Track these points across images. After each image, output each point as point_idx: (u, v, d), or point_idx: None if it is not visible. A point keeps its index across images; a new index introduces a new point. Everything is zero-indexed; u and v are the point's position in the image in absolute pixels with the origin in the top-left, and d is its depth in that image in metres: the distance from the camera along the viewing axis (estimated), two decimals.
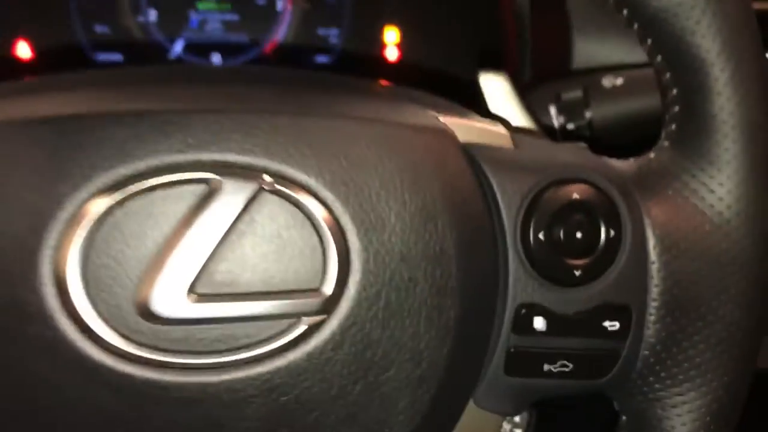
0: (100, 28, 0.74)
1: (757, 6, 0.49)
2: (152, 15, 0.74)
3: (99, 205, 0.32)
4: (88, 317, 0.32)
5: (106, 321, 0.32)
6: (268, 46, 0.77)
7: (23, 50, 0.72)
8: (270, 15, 0.76)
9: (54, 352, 0.32)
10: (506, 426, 0.45)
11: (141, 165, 0.32)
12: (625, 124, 0.55)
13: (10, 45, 0.72)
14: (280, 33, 0.77)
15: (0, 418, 0.33)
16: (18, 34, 0.73)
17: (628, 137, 0.45)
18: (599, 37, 0.62)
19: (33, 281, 0.32)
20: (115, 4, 0.74)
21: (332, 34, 0.78)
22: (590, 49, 0.62)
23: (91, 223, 0.32)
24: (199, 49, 0.76)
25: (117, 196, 0.32)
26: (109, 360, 0.32)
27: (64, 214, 0.32)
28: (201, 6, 0.75)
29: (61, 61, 0.72)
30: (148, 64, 0.70)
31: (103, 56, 0.75)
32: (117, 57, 0.75)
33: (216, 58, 0.77)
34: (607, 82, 0.56)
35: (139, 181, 0.32)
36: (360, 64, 0.78)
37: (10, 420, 0.33)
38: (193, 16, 0.75)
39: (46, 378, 0.32)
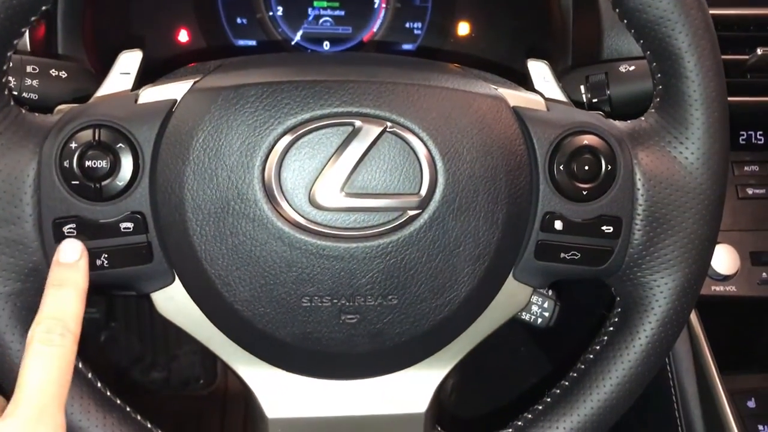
0: (240, 20, 0.84)
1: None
2: (279, 10, 0.84)
3: (287, 138, 0.45)
4: (280, 203, 0.45)
5: (291, 207, 0.45)
6: (366, 36, 0.85)
7: (183, 36, 0.83)
8: (368, 11, 0.85)
9: (260, 223, 0.45)
10: (535, 309, 0.57)
11: (313, 114, 0.45)
12: (635, 100, 0.66)
13: (174, 32, 0.83)
14: (376, 26, 0.86)
15: (224, 261, 0.46)
16: (179, 24, 0.83)
17: (636, 109, 0.55)
18: (623, 34, 0.72)
19: (250, 183, 0.45)
20: (251, 2, 0.83)
21: (416, 27, 0.86)
22: (616, 43, 0.72)
23: (282, 148, 0.45)
24: (313, 38, 0.85)
25: (298, 132, 0.45)
26: (291, 230, 0.45)
27: (266, 145, 0.45)
28: (317, 3, 0.84)
29: (210, 44, 0.83)
30: (275, 50, 0.81)
31: (242, 42, 0.84)
32: (252, 42, 0.84)
33: (326, 45, 0.85)
34: (623, 68, 0.66)
35: (312, 123, 0.45)
36: (436, 52, 0.87)
37: (229, 263, 0.46)
38: (310, 12, 0.84)
39: (254, 237, 0.45)
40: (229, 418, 1.27)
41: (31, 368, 0.43)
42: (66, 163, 0.45)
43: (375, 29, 0.86)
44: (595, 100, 0.67)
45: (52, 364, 0.43)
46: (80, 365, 0.49)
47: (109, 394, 0.50)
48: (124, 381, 1.28)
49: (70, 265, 0.46)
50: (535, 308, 0.57)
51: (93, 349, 1.28)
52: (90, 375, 0.49)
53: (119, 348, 1.30)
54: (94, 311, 1.22)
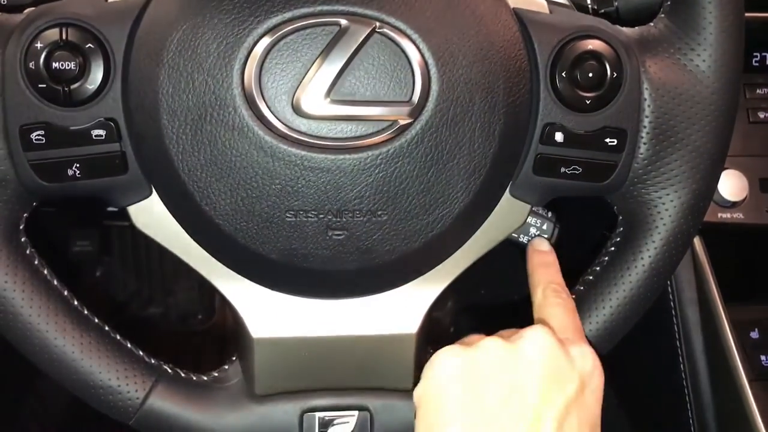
0: None
1: None
2: None
3: (267, 39, 0.42)
4: (262, 111, 0.43)
5: (273, 114, 0.43)
6: None
7: None
8: None
9: (240, 131, 0.43)
10: (533, 231, 0.54)
11: (296, 12, 0.42)
12: (644, 11, 0.62)
13: None
14: None
15: (202, 173, 0.43)
16: None
17: (646, 21, 0.54)
18: None
19: (229, 87, 0.42)
20: None
21: None
22: None
23: (263, 50, 0.42)
24: None
25: (279, 32, 0.42)
26: (274, 139, 0.43)
27: (245, 46, 0.42)
28: None
29: None
30: None
31: None
32: None
33: None
34: None
35: (294, 23, 0.42)
36: None
37: (208, 174, 0.43)
38: None
39: (233, 146, 0.43)
40: (228, 353, 1.27)
41: (563, 315, 0.49)
42: (32, 65, 0.43)
43: None
44: (601, 11, 0.64)
45: (574, 313, 0.50)
46: (55, 282, 0.47)
47: (86, 312, 0.48)
48: (121, 317, 1.28)
49: (547, 251, 0.54)
50: (533, 230, 0.54)
51: (89, 284, 1.27)
52: (66, 293, 0.48)
53: (115, 283, 1.30)
54: (86, 243, 1.21)
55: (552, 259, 0.53)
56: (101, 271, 1.29)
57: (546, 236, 0.55)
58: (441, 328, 1.18)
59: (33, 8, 0.46)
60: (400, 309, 0.50)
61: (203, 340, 1.31)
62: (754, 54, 0.76)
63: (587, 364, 0.45)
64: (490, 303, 1.16)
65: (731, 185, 0.71)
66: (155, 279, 1.31)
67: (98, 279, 1.29)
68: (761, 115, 0.75)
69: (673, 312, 0.75)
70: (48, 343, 0.46)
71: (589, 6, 0.62)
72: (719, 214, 0.72)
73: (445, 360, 0.45)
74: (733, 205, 0.72)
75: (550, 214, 0.54)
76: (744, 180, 0.72)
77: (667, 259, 0.51)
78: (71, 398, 0.49)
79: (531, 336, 0.45)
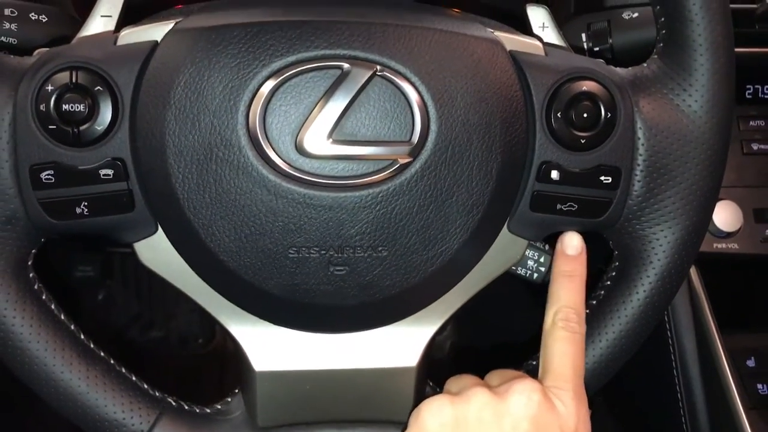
0: None
1: None
2: None
3: (272, 81, 0.44)
4: (265, 150, 0.44)
5: (277, 154, 0.44)
6: None
7: None
8: None
9: (244, 171, 0.44)
10: (531, 263, 0.54)
11: (300, 56, 0.44)
12: (638, 49, 0.64)
13: None
14: None
15: (207, 211, 0.44)
16: None
17: (639, 58, 0.55)
18: None
19: (234, 128, 0.43)
20: None
21: None
22: None
23: (267, 92, 0.44)
24: None
25: (284, 76, 0.44)
26: (277, 178, 0.44)
27: (250, 88, 0.44)
28: None
29: None
30: None
31: None
32: None
33: None
34: (627, 15, 0.64)
35: (298, 66, 0.44)
36: None
37: (213, 212, 0.45)
38: None
39: (238, 185, 0.44)
40: (228, 376, 1.28)
41: (563, 352, 0.49)
42: (42, 107, 0.44)
43: None
44: (596, 49, 0.66)
45: (578, 348, 0.50)
46: (62, 316, 0.48)
47: (92, 346, 0.49)
48: (122, 340, 1.28)
49: (576, 257, 0.51)
50: (530, 263, 0.55)
51: (90, 308, 1.27)
52: (73, 327, 0.48)
53: (116, 307, 1.30)
54: (89, 269, 1.22)
55: (576, 268, 0.52)
56: (103, 295, 1.30)
57: (543, 269, 0.56)
58: (441, 360, 1.19)
59: (44, 49, 0.48)
60: (400, 343, 0.51)
61: (204, 363, 1.31)
62: (747, 86, 0.78)
63: (570, 422, 0.46)
64: (492, 333, 1.16)
65: (726, 216, 0.73)
66: (156, 303, 1.31)
67: (100, 302, 1.29)
68: (755, 146, 0.76)
69: (670, 341, 0.76)
70: (55, 377, 0.47)
71: (585, 44, 0.64)
72: (714, 245, 0.73)
73: (433, 410, 0.46)
74: (728, 236, 0.73)
75: (547, 247, 0.55)
76: (738, 211, 0.73)
77: (662, 294, 0.51)
78: (72, 424, 0.49)
79: (519, 390, 0.46)
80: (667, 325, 0.76)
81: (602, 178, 0.49)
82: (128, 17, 0.50)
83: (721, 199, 0.73)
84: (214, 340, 1.32)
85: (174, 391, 0.53)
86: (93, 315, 1.29)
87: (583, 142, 0.48)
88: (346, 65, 0.44)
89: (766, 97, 0.78)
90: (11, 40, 0.56)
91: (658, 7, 0.49)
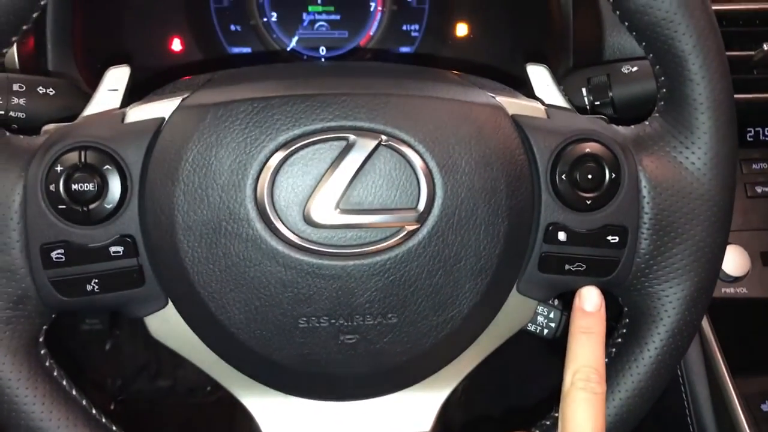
0: (234, 27, 0.82)
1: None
2: (273, 16, 0.82)
3: (279, 154, 0.44)
4: (274, 222, 0.44)
5: (285, 225, 0.44)
6: (362, 40, 0.84)
7: (176, 45, 0.82)
8: (364, 15, 0.83)
9: (253, 243, 0.44)
10: (541, 319, 0.55)
11: (305, 129, 0.44)
12: (638, 102, 0.64)
13: (167, 41, 0.81)
14: (372, 29, 0.84)
15: (217, 284, 0.45)
16: (172, 33, 0.81)
17: (640, 111, 0.55)
18: (625, 32, 0.65)
19: (242, 202, 0.44)
20: (245, 8, 0.81)
21: (414, 30, 0.84)
22: (618, 42, 0.71)
23: (274, 165, 0.44)
24: (309, 43, 0.83)
25: (290, 149, 0.44)
26: (286, 249, 0.44)
27: (257, 162, 0.44)
28: (311, 8, 0.82)
29: (203, 53, 0.82)
30: (271, 57, 0.80)
31: (236, 49, 0.82)
32: (247, 50, 0.82)
33: (322, 50, 0.83)
34: (626, 69, 0.65)
35: (304, 139, 0.44)
36: (434, 56, 0.85)
37: (223, 285, 0.45)
38: (305, 17, 0.82)
39: (247, 258, 0.44)
40: (237, 425, 1.27)
41: (585, 416, 0.48)
42: (52, 187, 0.44)
43: (372, 33, 0.85)
44: (597, 103, 0.66)
45: (598, 410, 0.48)
46: (74, 392, 0.48)
47: (104, 420, 0.49)
48: (129, 390, 1.28)
49: (594, 312, 0.50)
50: (541, 319, 0.55)
51: (98, 358, 1.27)
52: (84, 402, 0.48)
53: (124, 357, 1.30)
54: (96, 322, 1.22)
55: (594, 324, 0.50)
56: (110, 345, 1.29)
57: (554, 324, 0.56)
58: (455, 422, 1.18)
59: (52, 126, 0.48)
60: (413, 408, 0.51)
61: (213, 412, 1.30)
62: (748, 129, 0.78)
63: None
64: (505, 391, 1.15)
65: (734, 260, 0.73)
66: (163, 352, 1.30)
67: (107, 352, 1.29)
68: (759, 189, 0.76)
69: (683, 388, 0.75)
70: None
71: (585, 98, 0.64)
72: (723, 289, 0.73)
73: None
74: (736, 280, 0.73)
75: (557, 303, 0.54)
76: (746, 255, 0.73)
77: (674, 350, 0.51)
78: None
79: None
80: (680, 372, 0.75)
81: (609, 237, 0.49)
82: (137, 86, 0.51)
83: (729, 243, 0.73)
84: (221, 389, 1.31)
85: None
86: (100, 365, 1.28)
87: (588, 202, 0.48)
88: (351, 136, 0.45)
89: (767, 139, 0.79)
90: (20, 114, 0.57)
91: (657, 67, 0.49)
